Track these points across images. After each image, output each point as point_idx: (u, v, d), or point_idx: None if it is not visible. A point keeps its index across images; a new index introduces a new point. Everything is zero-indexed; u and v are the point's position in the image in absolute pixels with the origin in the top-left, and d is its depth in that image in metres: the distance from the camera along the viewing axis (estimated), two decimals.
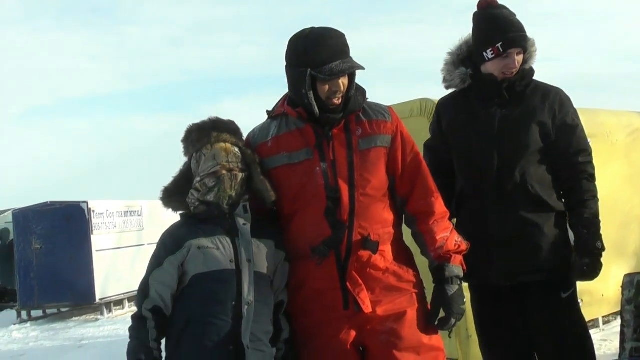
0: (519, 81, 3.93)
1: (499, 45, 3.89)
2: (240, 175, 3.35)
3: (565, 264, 3.83)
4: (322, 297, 3.38)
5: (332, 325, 3.36)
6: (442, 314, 3.44)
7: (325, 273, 3.36)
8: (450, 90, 4.16)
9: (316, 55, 3.34)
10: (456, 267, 3.43)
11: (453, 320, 3.42)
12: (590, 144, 4.09)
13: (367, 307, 3.32)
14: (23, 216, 17.12)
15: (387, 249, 3.42)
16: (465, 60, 4.03)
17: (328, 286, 3.36)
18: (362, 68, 3.37)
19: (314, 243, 3.36)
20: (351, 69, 3.35)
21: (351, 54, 3.41)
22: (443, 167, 4.06)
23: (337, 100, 3.37)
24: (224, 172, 3.32)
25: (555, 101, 3.92)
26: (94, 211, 16.49)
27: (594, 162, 3.97)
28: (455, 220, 3.89)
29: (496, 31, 3.92)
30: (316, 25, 3.44)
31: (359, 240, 3.35)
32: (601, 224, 3.87)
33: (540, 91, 3.96)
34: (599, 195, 3.91)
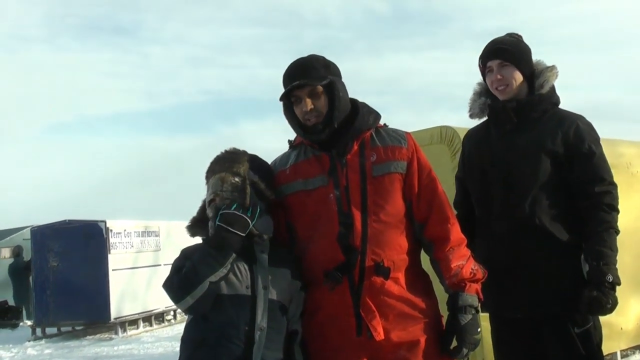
0: (535, 106, 3.87)
1: (479, 61, 3.95)
2: (234, 205, 3.34)
3: (576, 297, 3.67)
4: (336, 322, 3.36)
5: (345, 352, 3.34)
6: (455, 342, 3.40)
7: (339, 299, 3.34)
8: (475, 120, 4.15)
9: (284, 82, 3.45)
10: (470, 296, 3.38)
11: (465, 350, 3.37)
12: None
13: (379, 335, 3.28)
14: (41, 233, 17.23)
15: (401, 275, 3.39)
16: (489, 90, 4.02)
17: (341, 312, 3.34)
18: (314, 84, 3.38)
19: (327, 268, 3.35)
20: (301, 85, 3.38)
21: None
22: (469, 197, 4.07)
23: (314, 119, 3.41)
24: (218, 200, 3.35)
25: (569, 129, 3.81)
26: (111, 230, 16.58)
27: None
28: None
29: (482, 51, 3.98)
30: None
31: (371, 266, 3.32)
32: (619, 257, 3.72)
33: (557, 118, 3.87)
34: (620, 227, 3.77)
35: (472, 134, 4.22)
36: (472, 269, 3.41)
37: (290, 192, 3.48)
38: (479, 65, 3.99)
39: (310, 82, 3.38)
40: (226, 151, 3.51)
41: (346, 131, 3.43)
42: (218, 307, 3.23)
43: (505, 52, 3.90)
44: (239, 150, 3.53)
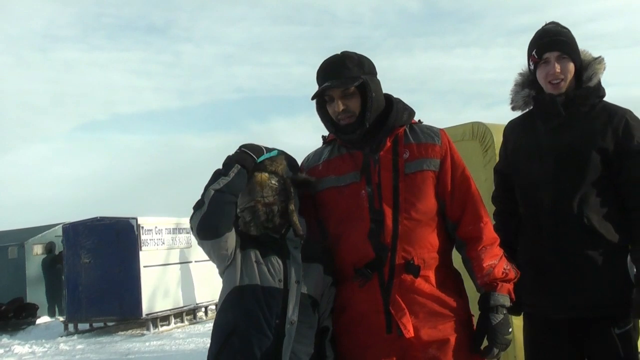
0: (583, 100, 3.77)
1: (534, 52, 3.82)
2: (276, 208, 3.36)
3: (622, 300, 3.62)
4: (366, 319, 3.35)
5: (374, 349, 3.33)
6: (485, 342, 3.38)
7: (369, 296, 3.33)
8: (516, 112, 4.06)
9: (318, 80, 3.43)
10: (502, 296, 3.35)
11: (496, 350, 3.34)
12: None
13: (408, 332, 3.27)
14: (73, 230, 17.39)
15: (431, 273, 3.37)
16: (533, 82, 3.91)
17: (371, 309, 3.33)
18: (346, 86, 3.36)
19: (357, 265, 3.35)
20: (333, 88, 3.36)
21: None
22: (510, 192, 4.01)
23: (348, 119, 3.39)
24: (260, 206, 3.35)
25: (619, 125, 3.70)
26: (142, 227, 16.68)
27: None
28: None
29: (533, 40, 3.86)
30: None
31: (402, 264, 3.32)
32: None
33: (606, 113, 3.75)
34: None
35: (515, 125, 4.09)
36: (504, 268, 3.38)
37: (322, 188, 3.48)
38: (532, 56, 3.84)
39: (342, 84, 3.36)
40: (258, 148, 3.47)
41: (380, 128, 3.42)
42: (249, 297, 3.25)
43: (565, 44, 3.78)
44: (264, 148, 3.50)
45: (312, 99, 3.45)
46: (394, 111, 3.44)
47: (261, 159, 3.38)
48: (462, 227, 3.43)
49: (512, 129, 4.12)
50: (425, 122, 3.59)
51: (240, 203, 3.35)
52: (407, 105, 3.52)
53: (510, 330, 3.37)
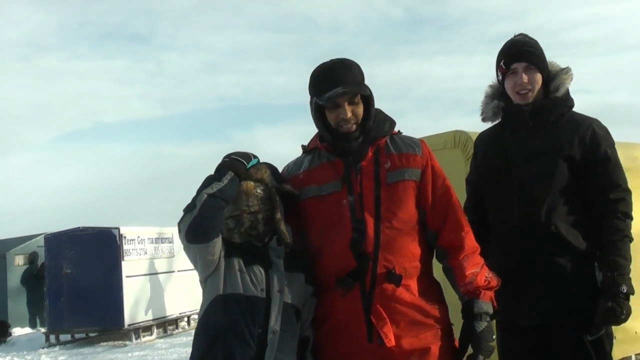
0: (551, 109, 3.82)
1: (502, 63, 3.86)
2: (261, 216, 3.36)
3: (591, 306, 3.66)
4: (347, 329, 3.35)
5: (356, 358, 3.33)
6: (470, 350, 3.39)
7: (350, 305, 3.33)
8: (488, 123, 4.10)
9: (321, 84, 3.38)
10: (485, 303, 3.36)
11: (481, 357, 3.35)
12: None
13: (389, 341, 3.27)
14: (55, 240, 17.29)
15: (413, 282, 3.38)
16: (503, 93, 3.96)
17: (353, 318, 3.33)
18: (360, 92, 3.35)
19: (339, 274, 3.35)
20: (346, 94, 3.33)
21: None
22: (482, 202, 4.03)
23: (350, 128, 3.37)
24: (245, 215, 3.34)
25: (586, 133, 3.76)
26: (125, 237, 16.61)
27: None
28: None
29: (501, 52, 3.90)
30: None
31: (383, 273, 3.32)
32: (634, 261, 3.70)
33: (573, 122, 3.81)
34: (633, 231, 3.74)
35: (484, 136, 4.17)
36: (486, 276, 3.40)
37: (303, 198, 3.47)
38: (500, 67, 3.90)
39: (355, 90, 3.35)
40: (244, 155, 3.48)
41: (362, 138, 3.42)
42: (233, 306, 3.24)
43: (532, 55, 3.84)
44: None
45: (323, 102, 3.37)
46: (376, 122, 3.44)
47: (248, 166, 3.39)
48: (443, 236, 3.44)
49: (481, 140, 4.18)
50: (408, 130, 3.60)
51: (226, 211, 3.34)
52: (387, 115, 3.52)
53: (494, 337, 3.38)
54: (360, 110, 3.38)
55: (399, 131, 3.56)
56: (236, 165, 3.35)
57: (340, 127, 3.39)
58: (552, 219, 3.72)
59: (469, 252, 3.43)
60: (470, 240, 3.45)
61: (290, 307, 3.31)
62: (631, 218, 3.74)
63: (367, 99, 3.39)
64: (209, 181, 3.29)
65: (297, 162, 3.62)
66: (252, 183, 3.37)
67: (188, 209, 3.24)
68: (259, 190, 3.37)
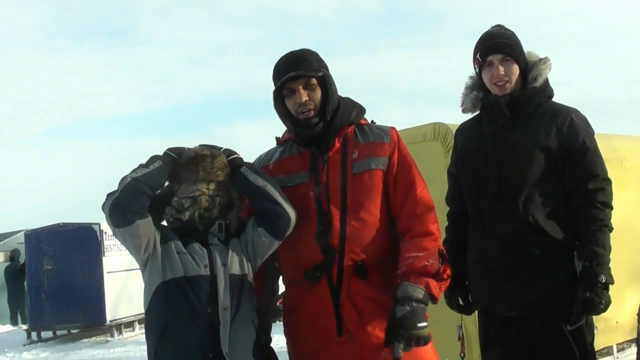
0: (528, 100, 3.80)
1: (478, 55, 3.86)
2: (218, 200, 3.34)
3: (571, 297, 3.63)
4: (317, 322, 3.32)
5: (325, 352, 3.31)
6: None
7: (318, 299, 3.31)
8: (468, 115, 4.09)
9: (277, 74, 3.38)
10: (413, 287, 3.15)
11: (400, 345, 3.08)
12: None
13: (359, 335, 3.26)
14: (35, 237, 17.16)
15: (380, 275, 3.33)
16: (482, 85, 3.94)
17: (321, 312, 3.31)
18: (312, 74, 3.34)
19: (306, 267, 3.33)
20: (298, 76, 3.32)
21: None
22: (462, 193, 4.02)
23: (309, 114, 3.35)
24: (204, 197, 3.31)
25: (563, 124, 3.73)
26: (105, 233, 16.49)
27: None
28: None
29: (477, 44, 3.89)
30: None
31: (350, 266, 3.28)
32: (615, 251, 3.68)
33: (550, 112, 3.79)
34: (615, 222, 3.73)
35: (464, 127, 4.16)
36: (427, 262, 3.22)
37: None
38: (477, 59, 3.89)
39: (306, 73, 3.33)
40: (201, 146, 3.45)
41: (327, 127, 3.39)
42: (175, 290, 3.20)
43: (508, 46, 3.82)
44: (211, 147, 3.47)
45: (275, 89, 3.38)
46: (341, 109, 3.41)
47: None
48: (399, 221, 3.37)
49: (461, 131, 4.17)
50: (389, 123, 3.57)
51: (183, 192, 3.32)
52: (356, 102, 3.50)
53: (420, 325, 3.11)
54: (317, 95, 3.36)
55: (372, 121, 3.54)
56: (166, 157, 3.33)
57: (299, 114, 3.36)
58: (530, 210, 3.71)
59: (417, 235, 3.29)
60: (422, 225, 3.31)
61: (237, 278, 3.27)
62: (611, 207, 3.72)
63: (325, 84, 3.37)
64: (136, 167, 3.27)
65: (268, 153, 3.60)
66: (216, 169, 3.33)
67: (111, 193, 3.20)
68: (221, 177, 3.35)
